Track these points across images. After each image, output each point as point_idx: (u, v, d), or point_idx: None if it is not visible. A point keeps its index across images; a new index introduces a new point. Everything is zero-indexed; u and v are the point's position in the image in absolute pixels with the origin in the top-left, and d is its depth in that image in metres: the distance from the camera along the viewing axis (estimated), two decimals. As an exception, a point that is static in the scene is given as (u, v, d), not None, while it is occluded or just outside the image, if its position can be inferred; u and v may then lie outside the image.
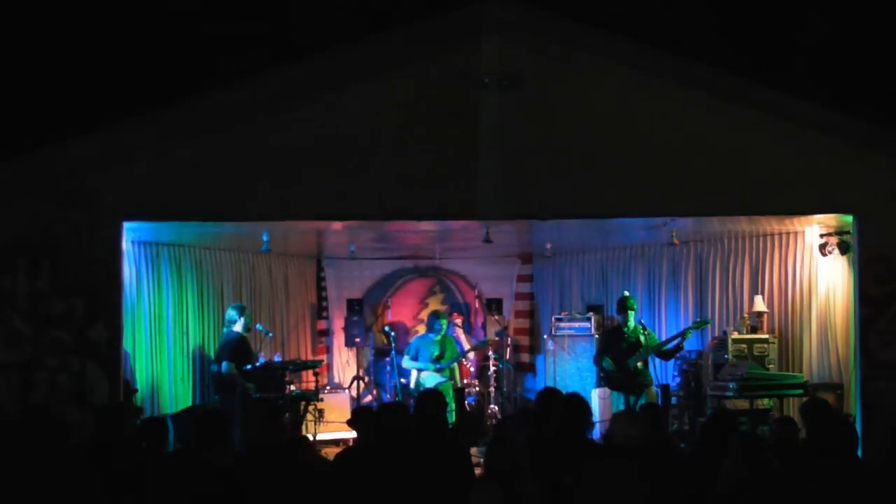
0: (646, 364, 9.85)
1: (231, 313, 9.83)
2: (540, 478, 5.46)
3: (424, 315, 12.69)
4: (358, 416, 6.60)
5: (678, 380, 10.31)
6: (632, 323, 9.93)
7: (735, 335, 9.89)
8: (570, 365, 11.54)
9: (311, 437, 9.46)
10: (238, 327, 9.71)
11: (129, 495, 5.49)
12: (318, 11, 13.25)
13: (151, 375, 9.71)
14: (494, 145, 8.03)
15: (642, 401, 9.49)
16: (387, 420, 5.86)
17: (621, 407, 9.82)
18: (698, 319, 10.13)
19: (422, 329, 12.42)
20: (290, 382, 9.75)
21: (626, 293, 10.33)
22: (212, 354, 10.43)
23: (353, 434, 10.51)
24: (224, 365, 9.46)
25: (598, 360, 10.26)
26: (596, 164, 8.09)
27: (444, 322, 11.20)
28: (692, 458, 6.19)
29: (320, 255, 12.50)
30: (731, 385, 9.09)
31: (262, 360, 10.01)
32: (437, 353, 11.00)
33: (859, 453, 6.13)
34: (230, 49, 13.12)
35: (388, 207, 8.26)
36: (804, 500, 5.32)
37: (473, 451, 9.14)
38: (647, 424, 5.91)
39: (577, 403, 6.34)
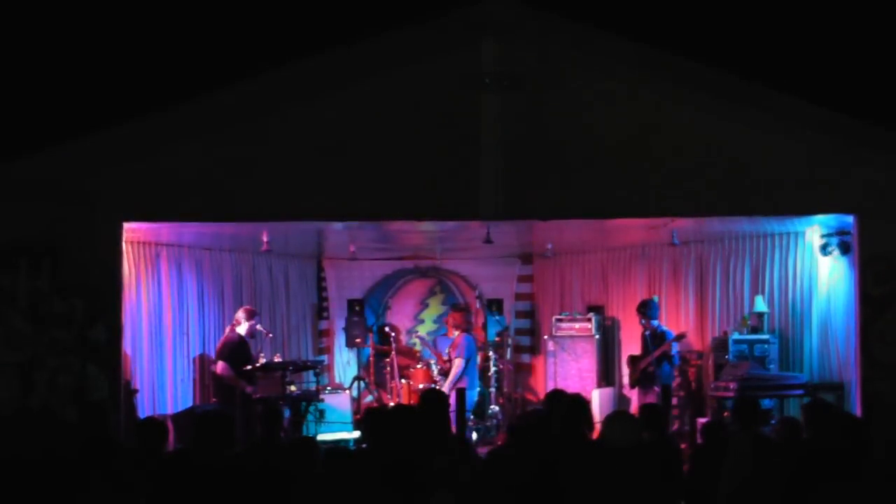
0: (659, 365, 9.86)
1: (239, 314, 9.83)
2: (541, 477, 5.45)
3: (425, 315, 12.71)
4: (367, 418, 6.63)
5: (678, 380, 10.31)
6: (649, 326, 10.00)
7: (735, 335, 9.89)
8: (570, 366, 11.53)
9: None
10: (242, 330, 9.70)
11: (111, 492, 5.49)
12: (318, 11, 13.25)
13: (151, 375, 9.71)
14: (495, 145, 8.03)
15: (649, 400, 9.59)
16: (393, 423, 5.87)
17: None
18: (676, 334, 10.14)
19: (422, 329, 12.47)
20: (291, 383, 9.73)
21: (656, 297, 10.47)
22: (212, 355, 10.44)
23: (353, 434, 10.60)
24: (221, 366, 9.47)
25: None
26: (596, 164, 8.09)
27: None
28: (697, 454, 6.19)
29: (321, 255, 12.50)
30: (731, 386, 9.09)
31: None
32: None
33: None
34: (230, 49, 13.12)
35: (388, 207, 8.26)
36: (808, 499, 5.32)
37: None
38: (636, 425, 5.91)
39: (579, 404, 6.35)
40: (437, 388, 10.33)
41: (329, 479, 5.28)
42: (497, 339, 11.96)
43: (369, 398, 11.86)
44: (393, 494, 5.15)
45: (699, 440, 8.80)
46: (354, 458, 5.83)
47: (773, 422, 8.95)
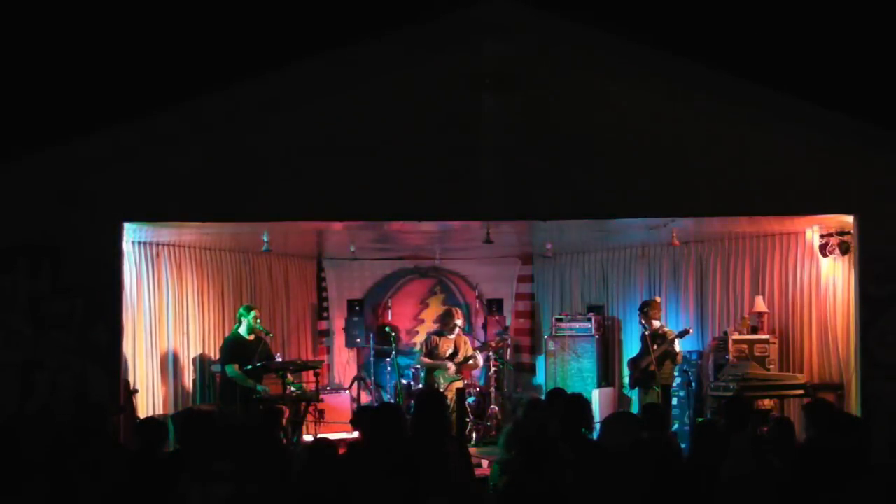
0: (660, 365, 9.87)
1: (239, 312, 9.82)
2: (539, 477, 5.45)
3: (425, 315, 12.71)
4: (360, 416, 6.62)
5: (679, 380, 10.32)
6: (650, 326, 10.02)
7: (735, 336, 9.89)
8: (570, 366, 11.54)
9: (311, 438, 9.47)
10: (242, 328, 9.68)
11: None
12: (318, 12, 13.26)
13: (151, 376, 9.70)
14: (495, 146, 8.03)
15: (650, 399, 9.62)
16: (382, 421, 5.86)
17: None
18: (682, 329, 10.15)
19: (422, 330, 12.46)
20: (291, 383, 9.73)
21: (657, 298, 10.49)
22: (212, 355, 10.44)
23: (354, 434, 10.59)
24: (228, 369, 9.45)
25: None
26: (596, 165, 8.09)
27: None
28: (694, 453, 6.19)
29: (321, 255, 12.51)
30: (731, 386, 9.09)
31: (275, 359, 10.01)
32: (451, 350, 10.72)
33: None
34: (231, 50, 13.12)
35: (388, 207, 8.26)
36: (809, 500, 5.32)
37: (474, 451, 9.20)
38: (636, 425, 5.92)
39: (579, 404, 6.36)
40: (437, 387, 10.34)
41: (322, 477, 5.29)
42: (497, 339, 11.96)
43: (369, 398, 11.87)
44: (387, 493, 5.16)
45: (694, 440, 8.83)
46: (346, 456, 5.82)
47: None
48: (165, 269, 10.00)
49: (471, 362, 10.85)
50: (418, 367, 11.37)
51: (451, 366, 10.59)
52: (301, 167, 8.04)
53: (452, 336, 10.68)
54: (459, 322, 10.79)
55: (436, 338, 10.74)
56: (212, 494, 5.18)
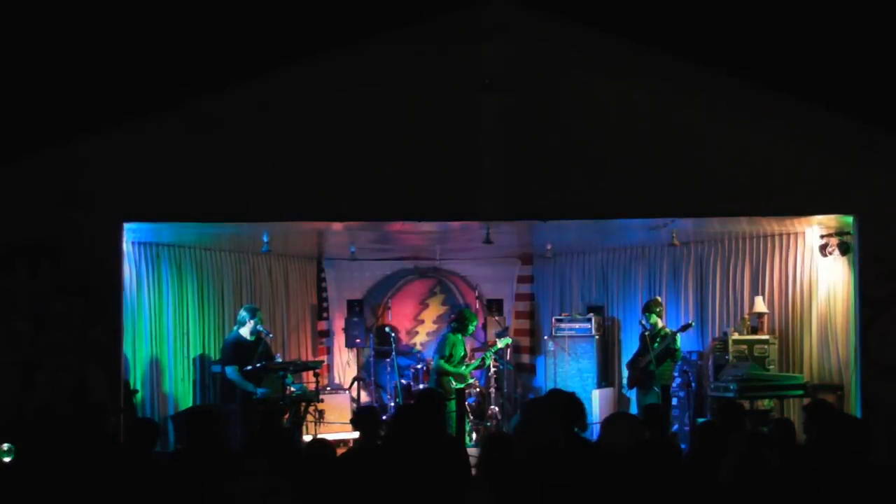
0: (660, 364, 9.88)
1: (242, 314, 9.77)
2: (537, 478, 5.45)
3: (425, 316, 12.70)
4: (360, 416, 6.62)
5: (679, 380, 10.32)
6: (651, 325, 10.00)
7: (735, 336, 9.90)
8: (570, 366, 11.54)
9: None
10: (245, 330, 9.65)
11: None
12: (319, 12, 13.25)
13: (151, 376, 9.70)
14: (495, 146, 8.03)
15: (649, 399, 9.59)
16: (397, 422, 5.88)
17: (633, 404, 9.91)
18: (684, 323, 10.15)
19: (422, 330, 12.45)
20: (292, 383, 9.72)
21: (658, 297, 10.50)
22: (212, 355, 10.43)
23: (354, 434, 10.59)
24: (228, 370, 9.44)
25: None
26: (596, 165, 8.09)
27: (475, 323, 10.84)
28: (693, 454, 6.19)
29: (321, 255, 12.51)
30: (731, 386, 9.10)
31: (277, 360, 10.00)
32: (463, 353, 10.61)
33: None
34: (230, 50, 13.12)
35: (388, 208, 8.26)
36: (809, 500, 5.31)
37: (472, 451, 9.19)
38: (636, 426, 5.90)
39: (574, 404, 6.35)
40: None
41: (346, 476, 5.29)
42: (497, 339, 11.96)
43: (369, 398, 11.87)
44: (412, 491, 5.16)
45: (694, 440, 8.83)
46: (368, 454, 5.83)
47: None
48: (165, 269, 10.00)
49: (485, 363, 10.87)
50: (419, 367, 11.37)
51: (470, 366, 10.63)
52: (301, 167, 8.05)
53: (463, 337, 10.71)
54: (476, 324, 10.81)
55: (455, 340, 10.55)
56: (249, 491, 5.21)
